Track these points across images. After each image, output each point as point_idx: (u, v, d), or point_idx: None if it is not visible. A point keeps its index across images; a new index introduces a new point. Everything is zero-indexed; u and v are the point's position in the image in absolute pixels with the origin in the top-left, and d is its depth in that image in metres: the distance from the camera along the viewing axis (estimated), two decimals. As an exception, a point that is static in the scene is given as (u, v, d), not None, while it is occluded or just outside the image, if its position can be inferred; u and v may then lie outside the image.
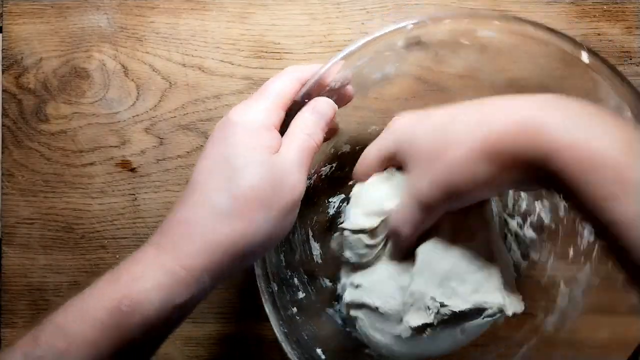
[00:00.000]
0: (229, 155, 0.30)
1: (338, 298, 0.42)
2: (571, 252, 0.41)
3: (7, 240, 0.46)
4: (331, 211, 0.44)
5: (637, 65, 0.46)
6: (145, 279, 0.28)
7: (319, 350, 0.39)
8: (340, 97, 0.36)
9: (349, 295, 0.40)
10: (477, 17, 0.37)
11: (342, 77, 0.36)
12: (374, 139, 0.38)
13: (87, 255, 0.46)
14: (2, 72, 0.46)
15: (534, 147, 0.28)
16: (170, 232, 0.29)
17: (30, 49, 0.46)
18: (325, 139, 0.35)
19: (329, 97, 0.35)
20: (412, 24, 0.36)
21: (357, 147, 0.42)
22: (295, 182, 0.31)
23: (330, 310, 0.43)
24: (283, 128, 0.33)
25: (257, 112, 0.32)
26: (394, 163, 0.37)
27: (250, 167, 0.30)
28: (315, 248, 0.43)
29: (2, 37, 0.46)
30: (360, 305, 0.40)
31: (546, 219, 0.42)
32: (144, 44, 0.46)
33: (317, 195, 0.43)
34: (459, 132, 0.31)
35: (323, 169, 0.43)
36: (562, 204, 0.41)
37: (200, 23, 0.46)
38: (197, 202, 0.29)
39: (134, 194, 0.46)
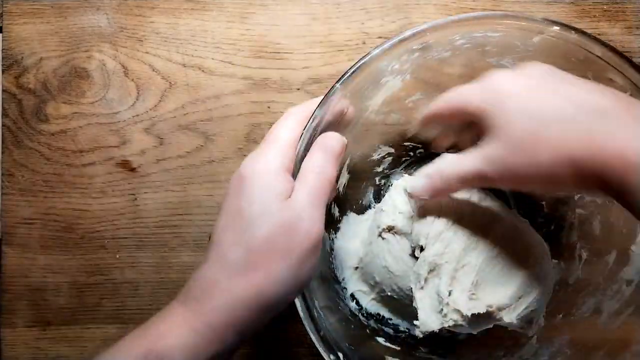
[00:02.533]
0: (242, 209, 0.30)
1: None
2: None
3: (7, 240, 0.46)
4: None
5: (637, 65, 0.46)
6: (170, 336, 0.28)
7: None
8: (342, 122, 0.36)
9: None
10: (473, 19, 0.36)
11: (341, 107, 0.36)
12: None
13: (87, 255, 0.46)
14: (2, 72, 0.46)
15: (633, 181, 0.27)
16: (194, 289, 0.30)
17: (30, 49, 0.46)
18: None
19: (332, 123, 0.35)
20: (413, 32, 0.35)
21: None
22: (310, 226, 0.30)
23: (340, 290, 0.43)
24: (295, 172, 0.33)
25: (267, 160, 0.32)
26: (463, 117, 0.35)
27: (264, 217, 0.29)
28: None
29: (2, 37, 0.46)
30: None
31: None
32: (144, 44, 0.46)
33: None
34: (556, 132, 0.30)
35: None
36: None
37: (200, 23, 0.46)
38: (215, 258, 0.30)
39: (134, 194, 0.46)
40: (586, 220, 0.42)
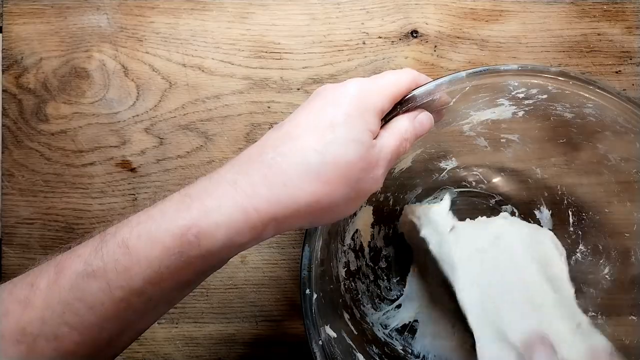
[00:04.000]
0: (335, 120, 0.29)
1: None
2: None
3: (7, 240, 0.46)
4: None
5: (637, 65, 0.46)
6: (217, 213, 0.27)
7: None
8: (438, 113, 0.36)
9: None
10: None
11: (447, 99, 0.36)
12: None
13: (87, 255, 0.46)
14: (2, 72, 0.46)
15: None
16: (252, 172, 0.29)
17: (30, 49, 0.46)
18: None
19: (431, 106, 0.35)
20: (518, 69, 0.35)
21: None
22: (379, 176, 0.31)
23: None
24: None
25: (375, 92, 0.31)
26: None
27: (353, 142, 0.29)
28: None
29: (2, 37, 0.46)
30: None
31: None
32: (144, 44, 0.46)
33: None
34: None
35: None
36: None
37: (200, 23, 0.46)
38: (288, 151, 0.29)
39: (134, 194, 0.46)
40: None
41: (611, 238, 0.41)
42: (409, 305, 0.45)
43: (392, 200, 0.45)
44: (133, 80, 0.46)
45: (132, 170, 0.46)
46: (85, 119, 0.46)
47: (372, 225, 0.45)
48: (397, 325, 0.44)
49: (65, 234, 0.46)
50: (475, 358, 0.39)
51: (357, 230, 0.43)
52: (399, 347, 0.43)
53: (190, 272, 0.28)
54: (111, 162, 0.46)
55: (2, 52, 0.46)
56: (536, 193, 0.45)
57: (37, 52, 0.46)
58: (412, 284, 0.45)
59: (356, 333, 0.40)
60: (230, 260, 0.45)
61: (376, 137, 0.31)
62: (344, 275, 0.42)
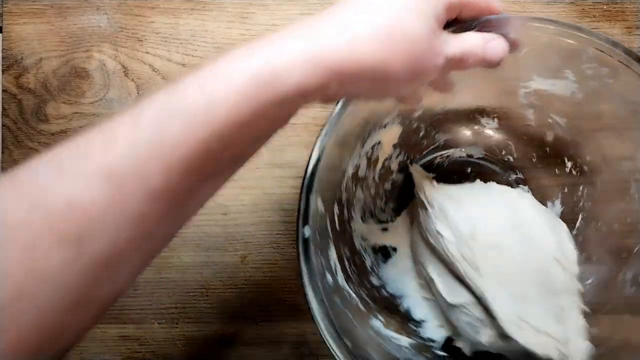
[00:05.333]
0: (410, 5, 0.29)
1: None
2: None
3: (7, 240, 0.46)
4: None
5: (637, 65, 0.46)
6: (289, 56, 0.27)
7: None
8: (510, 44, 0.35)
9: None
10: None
11: (518, 42, 0.34)
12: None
13: (87, 255, 0.46)
14: (2, 72, 0.46)
15: None
16: (320, 26, 0.28)
17: (30, 49, 0.46)
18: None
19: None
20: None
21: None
22: (439, 64, 0.30)
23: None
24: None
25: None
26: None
27: (421, 16, 0.29)
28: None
29: (2, 37, 0.46)
30: None
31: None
32: (144, 44, 0.46)
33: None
34: None
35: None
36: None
37: (200, 23, 0.46)
38: (357, 12, 0.29)
39: (134, 194, 0.46)
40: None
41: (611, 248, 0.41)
42: (394, 233, 0.45)
43: (423, 132, 0.45)
44: (133, 80, 0.46)
45: (132, 170, 0.46)
46: (86, 119, 0.46)
47: (394, 146, 0.45)
48: (375, 243, 0.45)
49: (65, 234, 0.46)
50: (431, 309, 0.42)
51: (379, 142, 0.43)
52: (368, 263, 0.43)
53: (266, 120, 0.27)
54: (111, 162, 0.46)
55: (2, 52, 0.46)
56: (556, 184, 0.45)
57: (37, 52, 0.46)
58: (404, 220, 0.46)
59: (338, 230, 0.40)
60: (230, 260, 0.46)
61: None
62: (349, 175, 0.42)
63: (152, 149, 0.25)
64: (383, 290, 0.43)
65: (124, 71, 0.46)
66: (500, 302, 0.37)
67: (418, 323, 0.43)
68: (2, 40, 0.46)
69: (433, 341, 0.42)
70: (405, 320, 0.43)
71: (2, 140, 0.46)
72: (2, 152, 0.46)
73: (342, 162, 0.40)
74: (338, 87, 0.28)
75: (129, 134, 0.25)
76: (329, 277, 0.37)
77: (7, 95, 0.46)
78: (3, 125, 0.46)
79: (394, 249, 0.45)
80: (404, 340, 0.41)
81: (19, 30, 0.46)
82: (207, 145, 0.25)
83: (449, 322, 0.42)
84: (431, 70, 0.30)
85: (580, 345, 0.37)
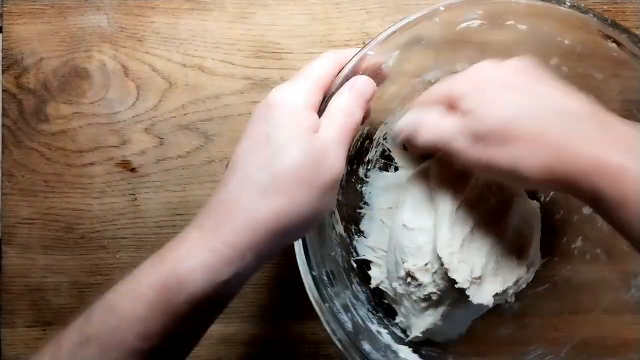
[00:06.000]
0: (270, 135, 0.30)
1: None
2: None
3: (7, 240, 0.46)
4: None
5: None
6: (190, 258, 0.28)
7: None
8: (375, 77, 0.36)
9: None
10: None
11: (378, 61, 0.36)
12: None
13: (87, 255, 0.46)
14: (2, 72, 0.46)
15: (607, 188, 0.27)
16: (212, 213, 0.30)
17: (30, 49, 0.46)
18: (362, 120, 0.35)
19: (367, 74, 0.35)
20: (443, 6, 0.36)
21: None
22: (335, 162, 0.31)
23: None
24: (320, 111, 0.33)
25: (297, 93, 0.32)
26: (448, 102, 0.35)
27: (291, 145, 0.30)
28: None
29: (2, 37, 0.46)
30: None
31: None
32: (144, 44, 0.46)
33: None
34: (528, 129, 0.30)
35: None
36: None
37: (200, 23, 0.46)
38: (238, 181, 0.30)
39: (134, 194, 0.46)
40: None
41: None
42: (384, 197, 0.45)
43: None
44: (133, 80, 0.46)
45: (132, 170, 0.46)
46: (86, 119, 0.46)
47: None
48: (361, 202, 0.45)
49: (65, 234, 0.46)
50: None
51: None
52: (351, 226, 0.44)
53: (181, 320, 0.28)
54: (111, 162, 0.46)
55: (2, 52, 0.46)
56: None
57: (37, 52, 0.46)
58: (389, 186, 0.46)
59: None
60: (230, 260, 0.46)
61: (318, 129, 0.31)
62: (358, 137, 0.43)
63: None
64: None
65: (124, 71, 0.46)
66: (445, 231, 0.38)
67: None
68: (2, 40, 0.46)
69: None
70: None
71: (2, 140, 0.46)
72: (2, 152, 0.46)
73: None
74: (256, 257, 0.29)
75: None
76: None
77: (7, 95, 0.46)
78: (3, 125, 0.46)
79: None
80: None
81: (19, 30, 0.46)
82: None
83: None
84: (331, 173, 0.30)
85: (487, 293, 0.38)
